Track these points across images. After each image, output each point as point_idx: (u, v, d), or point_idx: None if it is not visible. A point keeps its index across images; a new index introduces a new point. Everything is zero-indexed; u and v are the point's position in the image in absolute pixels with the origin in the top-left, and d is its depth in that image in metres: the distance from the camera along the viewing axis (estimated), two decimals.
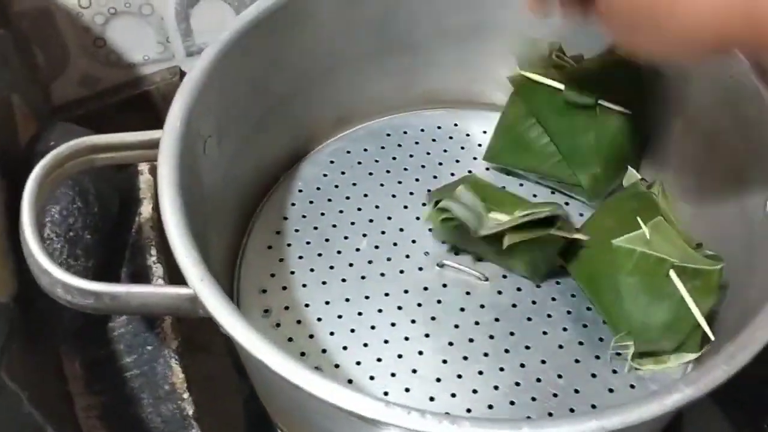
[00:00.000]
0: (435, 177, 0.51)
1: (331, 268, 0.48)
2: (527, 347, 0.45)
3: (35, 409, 0.39)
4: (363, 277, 0.47)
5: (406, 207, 0.50)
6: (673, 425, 0.48)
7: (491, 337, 0.45)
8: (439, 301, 0.46)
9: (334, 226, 0.50)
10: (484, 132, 0.54)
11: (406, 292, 0.47)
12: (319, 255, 0.48)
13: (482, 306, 0.46)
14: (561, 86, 0.48)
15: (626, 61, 0.47)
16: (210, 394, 0.53)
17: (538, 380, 0.43)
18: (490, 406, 0.42)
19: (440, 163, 0.52)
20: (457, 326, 0.45)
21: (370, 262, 0.48)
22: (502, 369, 0.44)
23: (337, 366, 0.43)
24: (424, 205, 0.50)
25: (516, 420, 0.29)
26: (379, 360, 0.44)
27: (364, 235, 0.49)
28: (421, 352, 0.44)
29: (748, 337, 0.32)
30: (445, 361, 0.44)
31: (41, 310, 0.41)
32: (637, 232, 0.42)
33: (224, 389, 0.55)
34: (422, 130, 0.54)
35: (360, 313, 0.46)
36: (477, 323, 0.45)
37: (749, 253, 0.41)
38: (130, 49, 0.56)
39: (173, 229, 0.34)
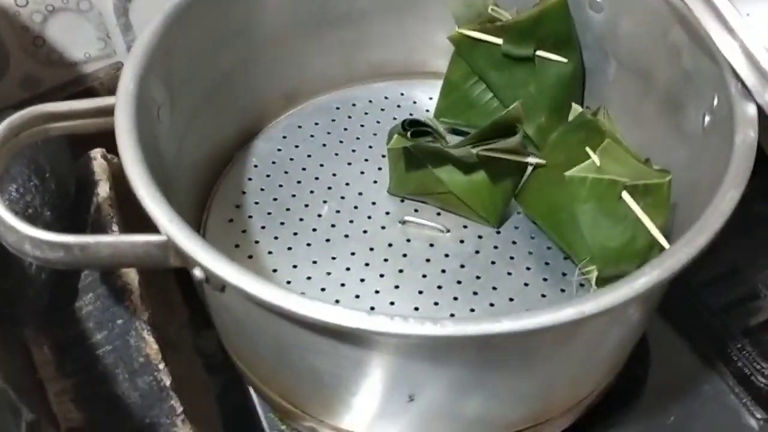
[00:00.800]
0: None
1: (295, 234, 0.48)
2: (494, 288, 0.46)
3: (9, 386, 0.38)
4: (328, 240, 0.48)
5: (362, 173, 0.51)
6: (640, 357, 0.50)
7: (458, 282, 0.46)
8: (404, 255, 0.47)
9: (294, 195, 0.50)
10: (430, 98, 0.56)
11: (371, 249, 0.47)
12: (282, 224, 0.49)
13: (446, 255, 0.47)
14: (499, 41, 0.50)
15: (560, 11, 0.49)
16: (183, 393, 0.52)
17: None
18: None
19: None
20: (424, 276, 0.46)
21: (333, 225, 0.49)
22: (472, 310, 0.45)
23: None
24: (380, 169, 0.51)
25: (496, 315, 0.30)
26: None
27: (325, 202, 0.50)
28: (392, 303, 0.45)
29: (706, 221, 0.33)
30: (417, 308, 0.44)
31: (5, 290, 0.40)
32: (587, 162, 0.43)
33: (196, 388, 0.54)
34: (370, 102, 0.56)
35: (329, 273, 0.46)
36: (443, 271, 0.46)
37: (692, 171, 0.43)
38: (71, 46, 0.56)
39: (137, 178, 0.34)
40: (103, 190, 0.45)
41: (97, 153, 0.48)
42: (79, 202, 0.45)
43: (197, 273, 0.34)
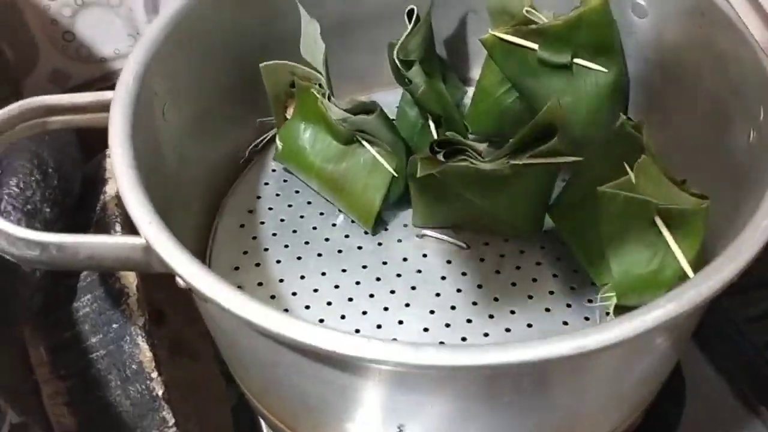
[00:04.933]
0: None
1: (306, 243, 0.46)
2: (512, 312, 0.42)
3: None
4: (340, 251, 0.45)
5: None
6: (673, 395, 0.45)
7: (474, 303, 0.43)
8: (419, 271, 0.44)
9: (309, 203, 0.48)
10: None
11: (384, 263, 0.45)
12: (294, 231, 0.46)
13: (464, 273, 0.44)
14: (534, 46, 0.47)
15: (601, 16, 0.46)
16: (196, 400, 0.51)
17: None
18: None
19: None
20: (438, 294, 0.43)
21: (347, 236, 0.46)
22: (486, 335, 0.41)
23: None
24: None
25: (507, 343, 0.27)
26: (357, 331, 0.42)
27: (341, 211, 0.47)
28: (401, 322, 0.42)
29: (735, 251, 0.30)
30: (426, 329, 0.42)
31: None
32: (623, 178, 0.40)
33: (211, 397, 0.53)
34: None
35: (337, 286, 0.44)
36: (459, 290, 0.43)
37: (732, 194, 0.39)
38: (100, 42, 0.56)
39: (122, 176, 0.33)
40: (111, 188, 0.44)
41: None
42: (86, 201, 0.44)
43: (180, 281, 0.32)
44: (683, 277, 0.38)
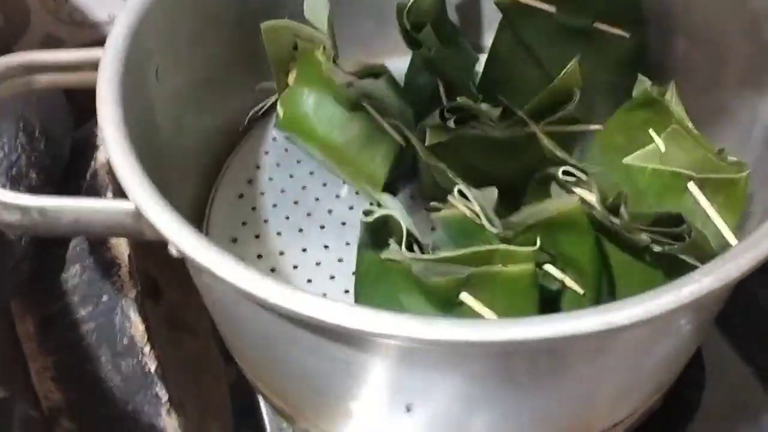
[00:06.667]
0: None
1: (308, 215, 0.44)
2: None
3: None
4: (343, 224, 0.43)
5: None
6: (694, 378, 0.43)
7: None
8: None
9: (312, 173, 0.46)
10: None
11: None
12: (295, 203, 0.44)
13: None
14: (552, 9, 0.44)
15: None
16: (194, 378, 0.49)
17: None
18: None
19: None
20: None
21: (351, 207, 0.44)
22: None
23: None
24: None
25: (526, 318, 0.25)
26: None
27: (344, 182, 0.45)
28: None
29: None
30: None
31: None
32: (649, 147, 0.38)
33: (209, 375, 0.51)
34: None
35: (340, 260, 0.42)
36: None
37: None
38: (95, 6, 0.53)
39: (111, 138, 0.30)
40: (103, 155, 0.42)
41: None
42: (76, 167, 0.42)
43: (173, 250, 0.30)
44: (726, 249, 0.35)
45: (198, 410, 0.47)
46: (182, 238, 0.28)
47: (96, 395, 0.38)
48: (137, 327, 0.38)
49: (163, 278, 0.48)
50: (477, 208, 0.35)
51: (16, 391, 0.39)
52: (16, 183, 0.37)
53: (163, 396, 0.38)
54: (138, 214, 0.30)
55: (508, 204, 0.39)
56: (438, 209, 0.40)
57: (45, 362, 0.39)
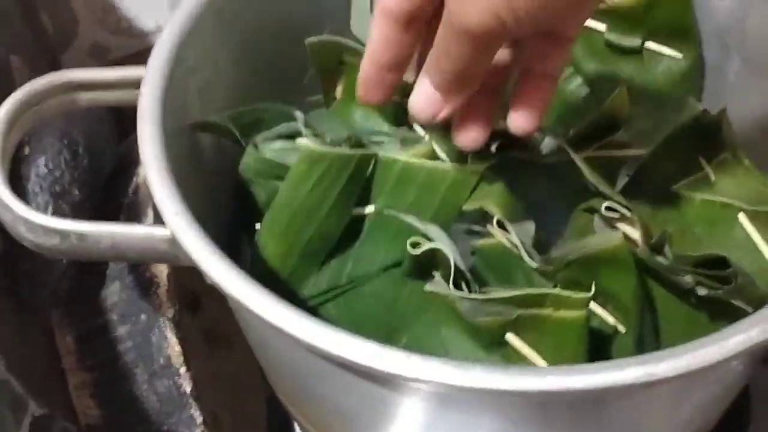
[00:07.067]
0: None
1: None
2: None
3: (15, 378, 0.35)
4: None
5: None
6: (738, 416, 0.42)
7: None
8: None
9: None
10: None
11: None
12: None
13: None
14: (602, 27, 0.43)
15: None
16: (231, 391, 0.49)
17: None
18: None
19: None
20: None
21: None
22: None
23: None
24: None
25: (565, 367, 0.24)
26: None
27: None
28: None
29: None
30: None
31: (25, 271, 0.37)
32: (698, 175, 0.36)
33: (245, 388, 0.51)
34: None
35: None
36: None
37: None
38: (142, 15, 0.53)
39: (150, 159, 0.30)
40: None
41: None
42: (118, 182, 0.42)
43: (208, 278, 0.30)
44: None
45: (233, 425, 0.47)
46: (217, 271, 0.28)
47: (132, 414, 0.39)
48: (173, 347, 0.38)
49: (202, 291, 0.48)
50: (516, 241, 0.34)
51: (55, 407, 0.39)
52: (58, 199, 0.38)
53: (198, 417, 0.38)
54: (174, 241, 0.30)
55: (550, 231, 0.38)
56: (477, 232, 0.39)
57: (84, 378, 0.40)
